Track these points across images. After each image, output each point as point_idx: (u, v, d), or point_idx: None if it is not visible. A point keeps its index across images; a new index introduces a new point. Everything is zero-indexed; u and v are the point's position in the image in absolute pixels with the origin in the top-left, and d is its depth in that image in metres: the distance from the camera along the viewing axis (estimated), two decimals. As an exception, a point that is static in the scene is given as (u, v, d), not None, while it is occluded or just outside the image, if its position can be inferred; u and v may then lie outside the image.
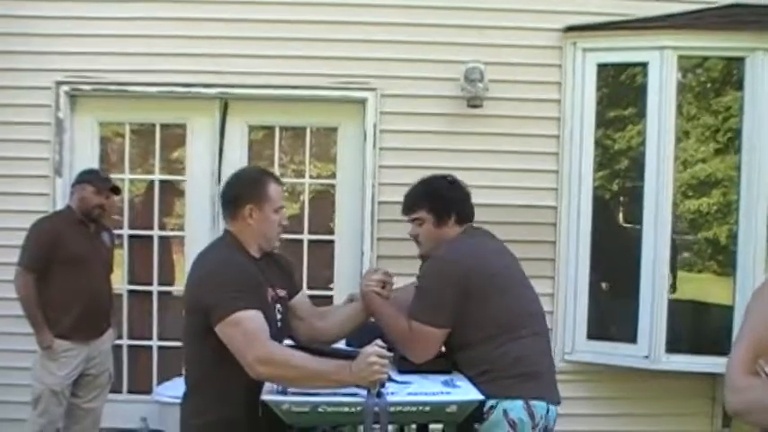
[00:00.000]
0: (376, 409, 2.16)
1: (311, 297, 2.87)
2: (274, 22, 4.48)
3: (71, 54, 4.47)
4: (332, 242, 4.71)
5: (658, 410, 4.52)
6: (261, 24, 4.48)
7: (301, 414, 2.19)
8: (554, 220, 4.54)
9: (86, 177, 3.99)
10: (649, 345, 4.33)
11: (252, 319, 2.26)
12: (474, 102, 4.40)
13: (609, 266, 4.67)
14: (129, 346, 4.69)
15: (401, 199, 2.84)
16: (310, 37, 4.48)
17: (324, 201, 4.85)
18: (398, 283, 2.80)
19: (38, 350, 3.86)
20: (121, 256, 4.63)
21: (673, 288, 4.44)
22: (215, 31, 4.46)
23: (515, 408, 2.45)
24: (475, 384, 2.44)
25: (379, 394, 2.20)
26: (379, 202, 4.49)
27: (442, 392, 2.36)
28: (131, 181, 4.80)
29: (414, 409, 2.26)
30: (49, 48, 4.47)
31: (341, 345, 2.84)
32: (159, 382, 4.48)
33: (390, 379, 2.32)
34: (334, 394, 2.21)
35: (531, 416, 2.46)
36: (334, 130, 4.73)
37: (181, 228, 4.77)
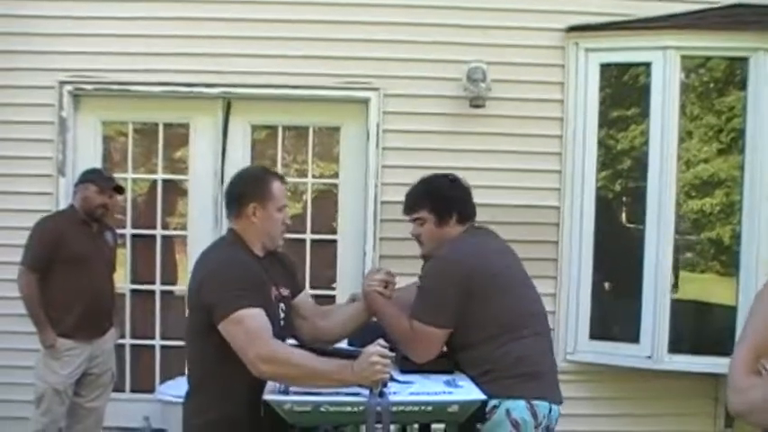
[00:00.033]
0: (378, 408, 2.17)
1: (314, 297, 2.87)
2: (277, 22, 4.49)
3: (73, 54, 4.48)
4: (334, 242, 4.71)
5: (660, 411, 4.52)
6: (264, 24, 4.48)
7: (303, 414, 2.19)
8: (557, 220, 4.54)
9: (89, 177, 3.99)
10: (652, 345, 4.32)
11: (255, 317, 2.26)
12: (477, 102, 4.40)
13: (611, 266, 4.67)
14: (132, 346, 4.69)
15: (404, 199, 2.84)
16: (313, 36, 4.48)
17: (326, 200, 4.85)
18: (401, 282, 2.80)
19: (41, 349, 3.87)
20: (124, 256, 4.64)
21: (674, 288, 4.43)
22: (218, 30, 4.47)
23: (518, 408, 2.45)
24: (477, 384, 2.44)
25: (382, 394, 2.20)
26: (382, 202, 4.49)
27: (444, 392, 2.36)
28: (134, 180, 4.79)
29: (416, 408, 2.26)
30: (51, 47, 4.47)
31: (343, 344, 2.84)
32: (162, 381, 4.48)
33: (392, 379, 2.33)
34: (337, 394, 2.21)
35: (534, 415, 2.46)
36: (337, 129, 4.74)
37: (184, 227, 4.78)
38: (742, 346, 1.67)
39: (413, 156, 4.39)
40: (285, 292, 2.57)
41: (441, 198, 2.72)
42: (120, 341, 4.38)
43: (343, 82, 4.50)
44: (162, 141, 4.71)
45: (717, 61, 4.57)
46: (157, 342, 4.71)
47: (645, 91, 4.43)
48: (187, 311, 2.47)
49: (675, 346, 4.34)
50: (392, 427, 2.21)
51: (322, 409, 2.19)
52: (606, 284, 4.76)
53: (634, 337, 4.39)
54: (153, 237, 4.71)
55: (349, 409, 2.20)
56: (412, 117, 4.51)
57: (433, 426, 2.80)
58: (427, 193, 2.76)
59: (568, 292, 4.52)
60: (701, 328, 4.78)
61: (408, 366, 2.58)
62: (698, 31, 4.34)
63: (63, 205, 4.31)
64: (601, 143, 4.56)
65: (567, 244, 4.52)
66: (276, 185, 2.54)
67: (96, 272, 3.93)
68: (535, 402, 2.47)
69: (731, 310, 4.35)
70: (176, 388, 3.65)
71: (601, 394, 4.57)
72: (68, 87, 4.50)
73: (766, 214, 4.30)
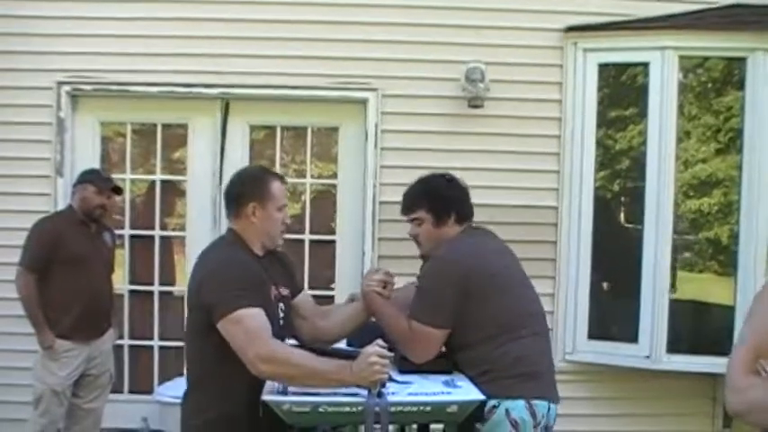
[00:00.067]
0: (377, 409, 2.16)
1: (312, 297, 2.86)
2: (275, 23, 4.48)
3: (72, 54, 4.47)
4: (333, 242, 4.71)
5: (659, 410, 4.52)
6: (262, 24, 4.48)
7: (302, 414, 2.19)
8: (555, 221, 4.54)
9: (88, 177, 3.99)
10: (650, 345, 4.33)
11: (254, 316, 2.26)
12: (475, 102, 4.40)
13: (610, 266, 4.67)
14: (131, 347, 4.69)
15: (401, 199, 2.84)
16: (312, 37, 4.48)
17: (325, 201, 4.85)
18: (399, 283, 2.80)
19: (39, 350, 3.86)
20: (123, 256, 4.64)
21: (672, 288, 4.43)
22: (216, 31, 4.47)
23: (517, 407, 2.45)
24: (476, 384, 2.44)
25: (380, 394, 2.20)
26: (381, 202, 4.49)
27: (442, 392, 2.36)
28: (133, 181, 4.79)
29: (414, 409, 2.26)
30: (49, 48, 4.47)
31: (342, 345, 2.84)
32: (160, 382, 4.48)
33: (391, 379, 2.33)
34: (335, 394, 2.21)
35: (533, 415, 2.46)
36: (336, 130, 4.74)
37: (182, 228, 4.77)
38: (741, 347, 1.67)
39: (411, 156, 4.39)
40: (285, 291, 2.57)
41: (438, 198, 2.72)
42: (119, 342, 4.38)
43: (342, 82, 4.50)
44: (160, 142, 4.71)
45: (715, 61, 4.57)
46: (156, 343, 4.70)
47: (643, 91, 4.43)
48: (186, 311, 2.47)
49: (674, 346, 4.34)
50: (391, 427, 2.20)
51: (320, 409, 2.19)
52: (605, 284, 4.76)
53: (632, 337, 4.39)
54: (151, 237, 4.71)
55: (347, 409, 2.20)
56: (410, 117, 4.51)
57: (432, 426, 2.80)
58: (425, 193, 2.75)
59: (567, 292, 4.52)
60: (700, 327, 4.79)
61: (407, 366, 2.58)
62: (696, 31, 4.34)
63: (61, 206, 4.30)
64: (599, 143, 4.56)
65: (565, 244, 4.52)
66: (276, 185, 2.55)
67: (94, 272, 3.93)
68: (534, 402, 2.47)
69: (729, 310, 4.35)
70: (175, 389, 3.64)
71: (599, 394, 4.57)
72: (66, 88, 4.50)
73: (764, 214, 4.30)
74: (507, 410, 2.44)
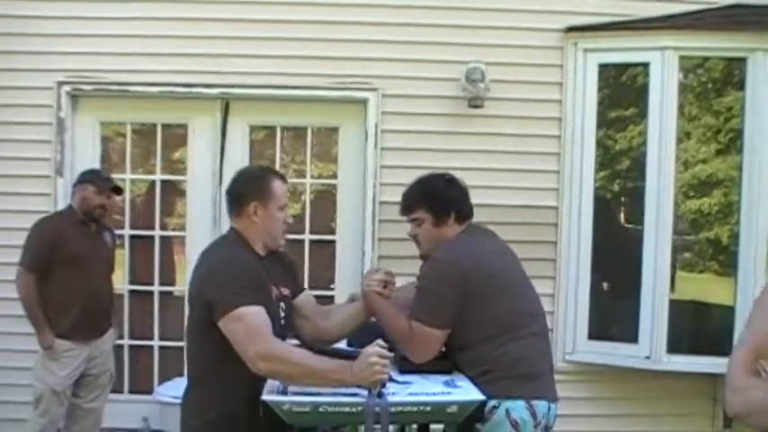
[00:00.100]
0: (377, 409, 2.16)
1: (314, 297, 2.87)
2: (275, 23, 4.48)
3: (72, 54, 4.47)
4: (333, 242, 4.72)
5: (659, 411, 4.52)
6: (262, 24, 4.48)
7: (302, 414, 2.19)
8: (555, 221, 4.54)
9: (88, 177, 3.99)
10: (650, 345, 4.33)
11: (254, 314, 2.27)
12: (475, 102, 4.40)
13: (610, 267, 4.67)
14: (131, 346, 4.69)
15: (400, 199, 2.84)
16: (312, 37, 4.48)
17: (325, 201, 4.85)
18: (399, 282, 2.80)
19: (39, 350, 3.86)
20: (123, 256, 4.64)
21: (672, 288, 4.43)
22: (216, 31, 4.47)
23: (518, 408, 2.45)
24: (476, 384, 2.44)
25: (380, 394, 2.20)
26: (381, 202, 4.49)
27: (442, 392, 2.36)
28: (133, 181, 4.79)
29: (415, 409, 2.26)
30: (49, 48, 4.47)
31: (342, 345, 2.84)
32: (160, 382, 4.49)
33: (391, 379, 2.32)
34: (335, 394, 2.21)
35: (533, 415, 2.46)
36: (336, 130, 4.74)
37: (182, 228, 4.77)
38: (741, 348, 1.67)
39: (411, 156, 4.39)
40: (286, 291, 2.57)
41: (437, 198, 2.72)
42: (119, 342, 4.37)
43: (342, 82, 4.50)
44: (160, 142, 4.71)
45: (715, 62, 4.57)
46: (156, 343, 4.71)
47: (643, 91, 4.43)
48: (188, 309, 2.47)
49: (674, 347, 4.34)
50: (391, 427, 2.20)
51: (321, 409, 2.18)
52: (605, 285, 4.76)
53: (633, 338, 4.39)
54: (151, 237, 4.71)
55: (348, 409, 2.20)
56: (410, 117, 4.51)
57: (432, 426, 2.80)
58: (424, 194, 2.75)
59: (567, 293, 4.52)
60: (700, 328, 4.79)
61: (407, 367, 2.57)
62: (696, 31, 4.35)
63: (61, 206, 4.30)
64: (599, 143, 4.56)
65: (565, 244, 4.52)
66: (277, 184, 2.55)
67: (95, 272, 3.92)
68: (534, 402, 2.47)
69: (729, 311, 4.35)
70: (175, 389, 3.65)
71: (599, 394, 4.57)
72: (66, 88, 4.50)
73: (764, 214, 4.30)
74: (507, 411, 2.44)
